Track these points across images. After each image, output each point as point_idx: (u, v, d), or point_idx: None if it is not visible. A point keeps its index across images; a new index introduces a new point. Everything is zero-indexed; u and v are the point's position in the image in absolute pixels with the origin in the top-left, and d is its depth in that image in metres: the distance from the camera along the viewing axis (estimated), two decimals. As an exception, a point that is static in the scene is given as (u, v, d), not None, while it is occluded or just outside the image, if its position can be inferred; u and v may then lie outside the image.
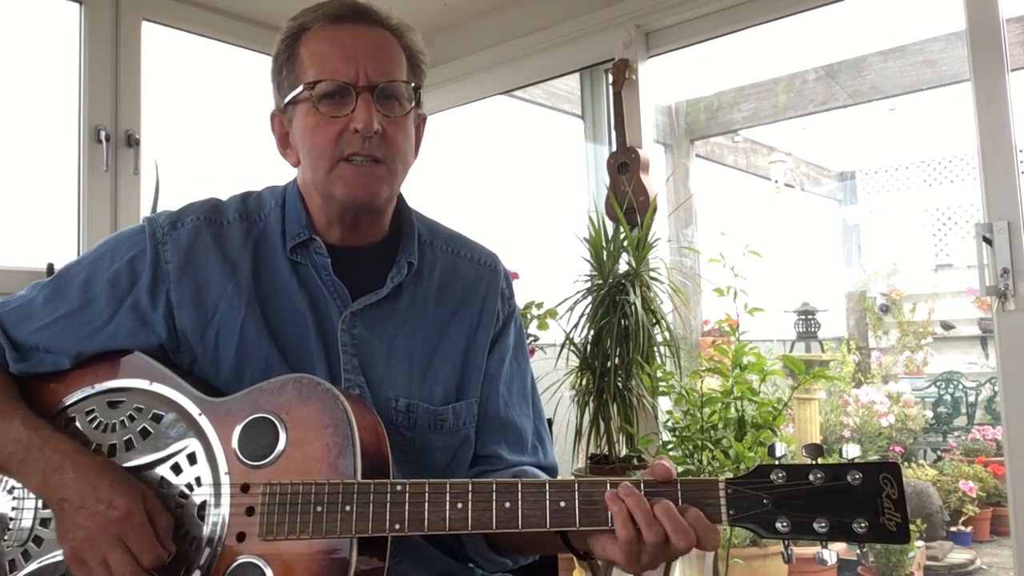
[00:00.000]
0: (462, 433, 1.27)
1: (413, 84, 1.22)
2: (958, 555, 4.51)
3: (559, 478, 1.22)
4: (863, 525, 0.91)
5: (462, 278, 1.33)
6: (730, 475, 0.97)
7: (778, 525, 0.93)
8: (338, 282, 1.22)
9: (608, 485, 0.98)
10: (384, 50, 1.20)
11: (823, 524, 0.92)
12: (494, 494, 0.99)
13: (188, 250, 1.20)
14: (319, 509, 1.02)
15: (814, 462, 0.95)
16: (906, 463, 5.36)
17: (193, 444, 1.11)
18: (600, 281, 2.56)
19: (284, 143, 1.26)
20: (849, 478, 0.93)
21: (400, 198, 1.32)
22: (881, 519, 0.91)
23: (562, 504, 0.98)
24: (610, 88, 2.94)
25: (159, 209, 2.59)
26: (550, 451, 1.37)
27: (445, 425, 1.25)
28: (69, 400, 1.18)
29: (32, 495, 1.14)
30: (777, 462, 0.96)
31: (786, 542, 0.94)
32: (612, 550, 0.98)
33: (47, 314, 1.18)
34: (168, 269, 1.19)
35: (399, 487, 1.01)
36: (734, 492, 0.95)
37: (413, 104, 1.22)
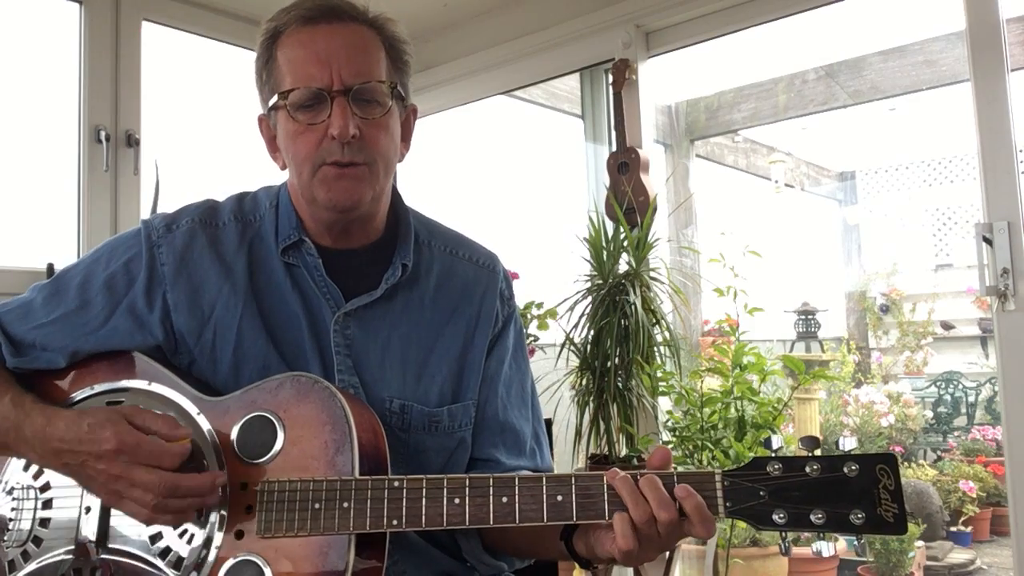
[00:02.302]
0: (457, 435, 1.26)
1: (391, 82, 1.18)
2: (958, 555, 4.51)
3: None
4: (860, 516, 0.91)
5: (460, 279, 1.32)
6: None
7: (775, 517, 0.93)
8: (331, 283, 1.22)
9: (604, 479, 0.98)
10: (359, 49, 1.16)
11: (820, 516, 0.92)
12: (491, 489, 0.99)
13: (183, 252, 1.20)
14: (317, 506, 1.02)
15: (810, 454, 0.95)
16: (906, 463, 5.35)
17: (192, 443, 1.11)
18: (600, 281, 2.55)
19: (272, 146, 1.25)
20: (845, 469, 0.92)
21: (397, 197, 1.31)
22: (878, 510, 0.90)
23: (559, 498, 0.98)
24: (610, 88, 2.94)
25: (159, 209, 2.60)
26: (547, 454, 1.36)
27: (440, 427, 1.24)
28: (69, 401, 1.18)
29: (31, 496, 1.15)
30: (773, 454, 0.96)
31: (784, 534, 0.94)
32: (608, 544, 0.98)
33: (45, 314, 1.19)
34: (164, 271, 1.19)
35: (396, 483, 1.01)
36: (731, 484, 0.95)
37: (393, 102, 1.19)
